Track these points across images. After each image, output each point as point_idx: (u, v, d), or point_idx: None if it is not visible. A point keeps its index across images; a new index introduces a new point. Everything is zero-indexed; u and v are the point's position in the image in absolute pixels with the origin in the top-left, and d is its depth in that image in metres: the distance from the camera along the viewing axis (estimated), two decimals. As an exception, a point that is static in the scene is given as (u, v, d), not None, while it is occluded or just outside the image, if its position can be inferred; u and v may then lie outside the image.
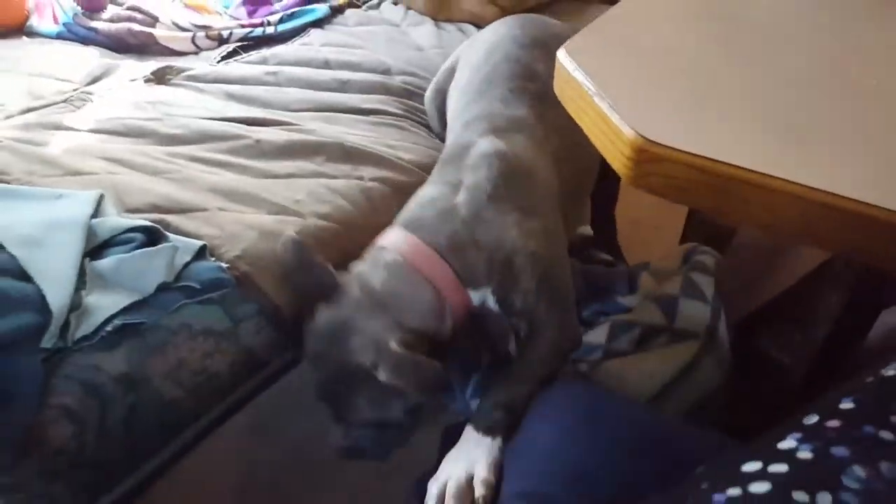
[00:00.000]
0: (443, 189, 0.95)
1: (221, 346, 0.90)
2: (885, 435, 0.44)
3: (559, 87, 0.71)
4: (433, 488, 0.78)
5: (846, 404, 0.49)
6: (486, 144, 0.98)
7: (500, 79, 1.11)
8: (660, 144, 0.54)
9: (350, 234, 1.07)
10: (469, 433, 0.83)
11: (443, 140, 1.30)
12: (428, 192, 0.97)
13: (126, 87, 1.43)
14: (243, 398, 0.96)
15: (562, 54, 0.69)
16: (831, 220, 0.50)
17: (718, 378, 1.12)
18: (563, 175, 1.04)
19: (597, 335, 1.15)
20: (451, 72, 1.30)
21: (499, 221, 0.90)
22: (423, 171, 1.21)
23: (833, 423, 0.47)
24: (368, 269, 0.90)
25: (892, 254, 0.49)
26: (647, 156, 0.55)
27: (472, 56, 1.24)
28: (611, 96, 0.60)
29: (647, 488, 0.61)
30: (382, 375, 0.82)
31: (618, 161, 0.58)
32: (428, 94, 1.38)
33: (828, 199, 0.49)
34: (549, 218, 0.97)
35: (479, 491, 0.74)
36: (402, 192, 1.16)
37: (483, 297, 0.93)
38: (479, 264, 0.90)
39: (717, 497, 0.45)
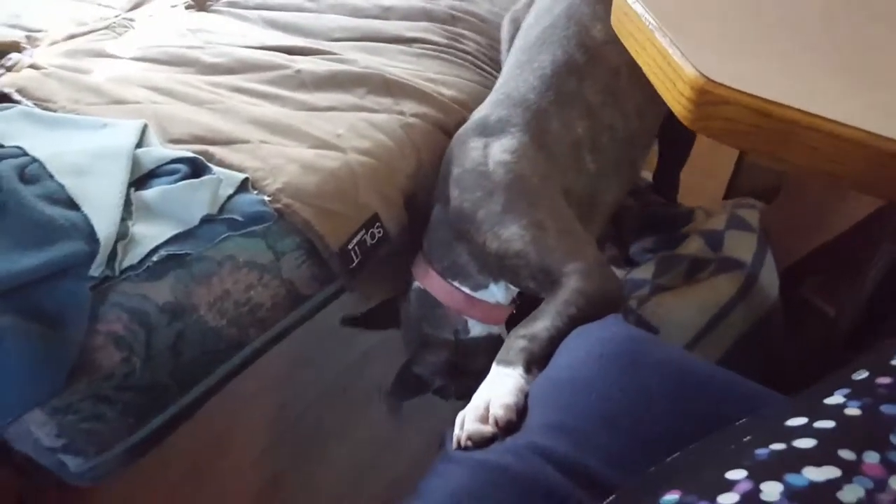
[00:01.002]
0: (440, 211, 1.04)
1: (264, 278, 0.92)
2: None
3: (617, 20, 0.67)
4: (458, 418, 0.78)
5: None
6: (475, 155, 1.01)
7: (550, 45, 1.08)
8: (723, 86, 0.51)
9: (389, 171, 1.07)
10: (493, 368, 0.84)
11: None
12: (434, 214, 1.06)
13: (167, 14, 1.41)
14: (285, 329, 0.98)
15: None
16: None
17: (769, 304, 1.13)
18: (583, 162, 1.05)
19: (644, 271, 1.18)
20: (530, 5, 1.24)
21: (480, 237, 0.96)
22: (462, 107, 1.19)
23: (884, 380, 0.45)
24: (409, 292, 1.09)
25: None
26: (710, 97, 0.51)
27: None
28: (672, 32, 0.56)
29: (686, 436, 0.60)
30: None
31: (677, 102, 0.55)
32: (504, 23, 1.31)
33: None
34: (542, 210, 0.97)
35: (493, 410, 0.74)
36: (441, 130, 1.15)
37: (501, 289, 1.04)
38: (482, 273, 1.01)
39: (760, 451, 0.44)
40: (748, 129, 0.51)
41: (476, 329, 1.06)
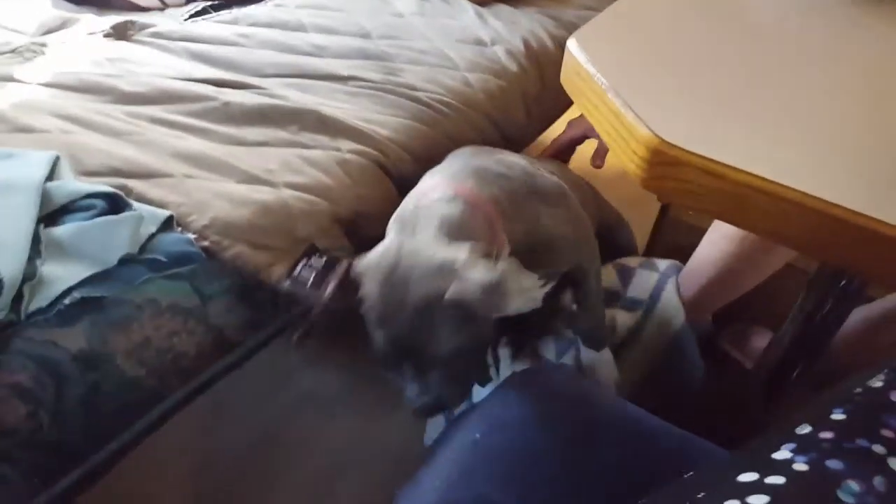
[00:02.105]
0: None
1: (189, 324, 0.85)
2: (878, 449, 0.44)
3: (567, 78, 0.67)
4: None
5: (837, 415, 0.48)
6: (522, 163, 1.02)
7: None
8: (677, 147, 0.51)
9: (327, 207, 1.02)
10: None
11: None
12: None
13: (83, 41, 1.34)
14: (210, 379, 0.91)
15: (572, 44, 0.65)
16: (845, 236, 0.49)
17: (664, 342, 1.26)
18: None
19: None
20: None
21: (530, 210, 0.93)
22: (400, 147, 1.16)
23: (826, 435, 0.46)
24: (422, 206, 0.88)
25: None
26: (663, 158, 0.52)
27: None
28: (625, 92, 0.57)
29: (635, 488, 0.60)
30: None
31: (631, 161, 0.55)
32: None
33: (844, 215, 0.48)
34: (571, 206, 1.04)
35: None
36: (380, 167, 1.12)
37: None
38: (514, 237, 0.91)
39: None
40: (701, 191, 0.52)
41: None
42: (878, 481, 0.41)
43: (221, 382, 0.94)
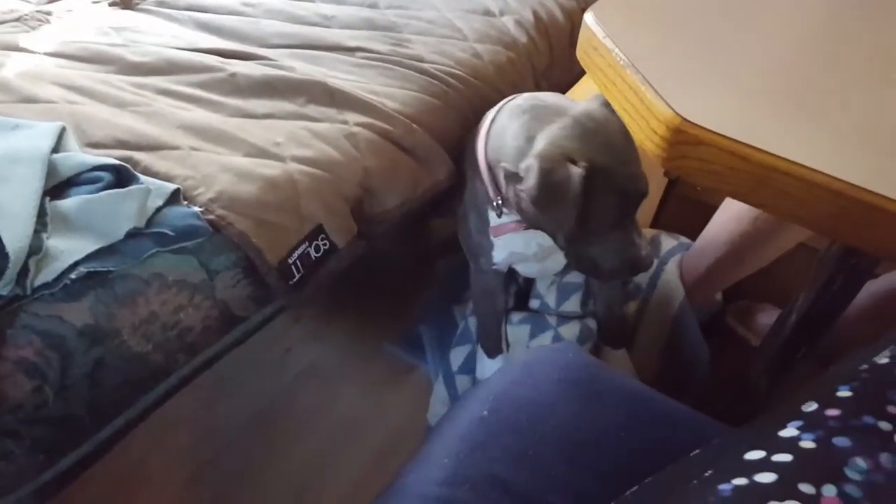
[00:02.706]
0: None
1: (195, 298, 0.84)
2: (884, 426, 0.44)
3: (583, 53, 0.66)
4: None
5: (843, 392, 0.48)
6: None
7: None
8: (700, 126, 0.50)
9: (334, 181, 1.00)
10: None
11: None
12: None
13: (88, 10, 1.32)
14: (216, 355, 0.90)
15: (589, 17, 0.64)
16: (870, 218, 0.48)
17: (665, 326, 1.27)
18: None
19: (576, 276, 1.30)
20: None
21: None
22: (408, 119, 1.14)
23: (833, 412, 0.46)
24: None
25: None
26: (685, 137, 0.51)
27: None
28: (644, 69, 0.56)
29: (643, 467, 0.60)
30: None
31: (649, 140, 0.54)
32: None
33: (871, 199, 0.47)
34: None
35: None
36: (388, 139, 1.10)
37: None
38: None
39: (723, 487, 0.44)
40: (723, 171, 0.51)
41: None
42: (884, 458, 0.41)
43: (222, 359, 0.94)
